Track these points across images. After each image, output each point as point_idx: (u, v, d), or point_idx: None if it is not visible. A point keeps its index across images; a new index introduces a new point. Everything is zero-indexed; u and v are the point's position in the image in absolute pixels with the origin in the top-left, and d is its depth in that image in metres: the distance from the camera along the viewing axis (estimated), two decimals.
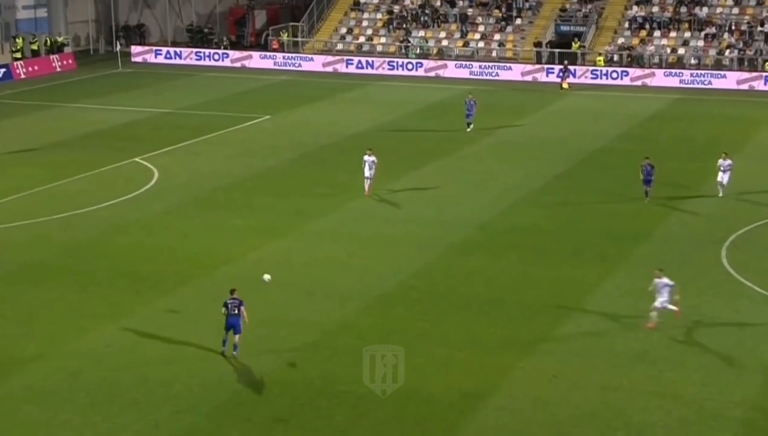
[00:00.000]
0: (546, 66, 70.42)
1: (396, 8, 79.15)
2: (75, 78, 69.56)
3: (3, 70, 68.29)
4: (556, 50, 72.28)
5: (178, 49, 77.44)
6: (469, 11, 77.74)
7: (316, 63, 73.95)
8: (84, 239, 36.43)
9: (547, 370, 26.63)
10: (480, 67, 70.94)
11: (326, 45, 77.33)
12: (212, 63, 75.25)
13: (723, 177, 41.08)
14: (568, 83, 67.06)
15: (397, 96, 64.51)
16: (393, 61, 73.01)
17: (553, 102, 62.43)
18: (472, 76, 69.73)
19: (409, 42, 75.75)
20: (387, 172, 45.36)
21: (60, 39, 76.51)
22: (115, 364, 26.66)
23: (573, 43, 72.41)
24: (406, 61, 73.11)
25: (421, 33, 76.84)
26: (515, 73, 69.85)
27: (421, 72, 71.66)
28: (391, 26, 78.00)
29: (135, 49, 77.21)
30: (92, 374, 26.05)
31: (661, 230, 37.74)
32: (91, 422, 23.75)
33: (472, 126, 53.18)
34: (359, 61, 73.19)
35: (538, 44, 73.46)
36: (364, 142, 50.63)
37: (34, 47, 74.06)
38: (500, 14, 76.80)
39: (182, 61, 75.61)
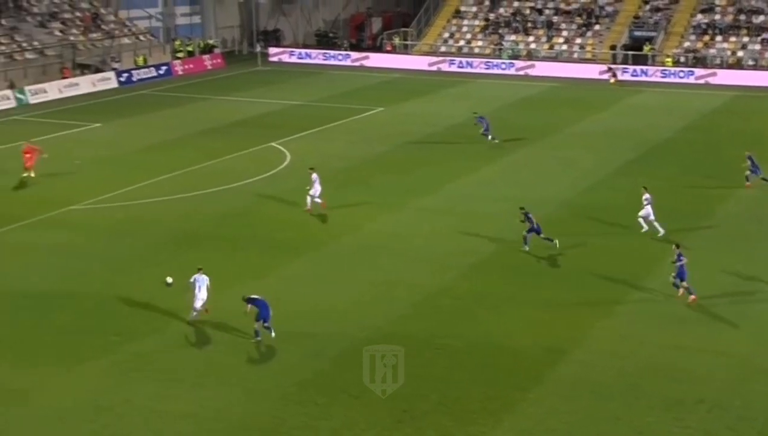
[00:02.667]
0: (621, 66, 69.07)
1: (492, 16, 78.34)
2: (223, 75, 70.43)
3: (164, 67, 69.46)
4: (630, 52, 70.86)
5: (307, 51, 77.81)
6: (555, 18, 76.54)
7: (423, 63, 73.59)
8: (230, 211, 36.98)
9: (619, 329, 26.28)
10: (563, 66, 69.82)
11: (432, 47, 76.91)
12: (336, 62, 75.45)
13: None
14: (618, 81, 65.69)
15: (491, 92, 63.90)
16: (488, 62, 72.29)
17: (626, 98, 61.18)
18: (556, 75, 68.66)
19: (502, 45, 74.97)
20: (482, 158, 45.17)
21: (211, 42, 77.58)
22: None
23: (645, 47, 70.87)
24: (499, 61, 72.34)
25: (513, 37, 75.94)
26: (593, 71, 68.55)
27: (512, 71, 70.82)
28: (487, 31, 77.23)
29: (272, 50, 77.76)
30: (236, 323, 26.34)
31: (722, 209, 36.82)
32: (233, 363, 24.18)
33: (493, 138, 47.37)
34: (460, 62, 72.62)
35: (613, 47, 72.07)
36: (464, 131, 50.50)
37: (190, 48, 75.18)
38: (581, 21, 75.49)
39: (311, 61, 75.99)
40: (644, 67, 67.28)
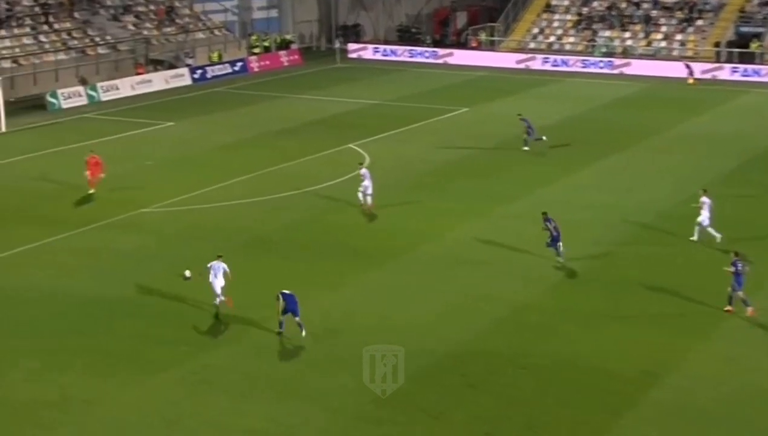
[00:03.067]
0: (725, 64, 67.73)
1: (585, 10, 77.56)
2: (300, 72, 71.04)
3: (240, 64, 70.33)
4: (735, 50, 69.40)
5: (388, 47, 78.05)
6: (653, 13, 75.43)
7: (510, 60, 73.22)
8: (307, 215, 37.25)
9: (720, 352, 25.74)
10: (662, 64, 68.79)
11: (519, 44, 76.49)
12: (418, 59, 75.52)
13: None
14: (694, 79, 64.66)
15: (583, 91, 63.28)
16: (581, 59, 71.61)
17: (730, 99, 59.99)
18: (653, 74, 67.65)
19: (596, 41, 74.15)
20: (574, 162, 44.75)
21: (288, 37, 78.34)
22: (332, 327, 27.20)
23: (752, 43, 69.32)
24: (593, 59, 71.58)
25: (607, 33, 75.06)
26: (695, 71, 67.33)
27: (606, 69, 70.00)
28: (579, 27, 76.51)
29: (351, 46, 78.19)
30: (312, 335, 26.54)
31: None
32: (308, 378, 24.32)
33: (538, 138, 46.73)
34: (550, 59, 72.09)
35: (717, 44, 70.68)
36: (554, 133, 50.04)
37: (266, 44, 76.03)
38: (682, 15, 74.22)
39: (392, 58, 76.19)
40: (755, 67, 65.95)
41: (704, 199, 33.56)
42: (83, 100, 59.05)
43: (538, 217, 36.62)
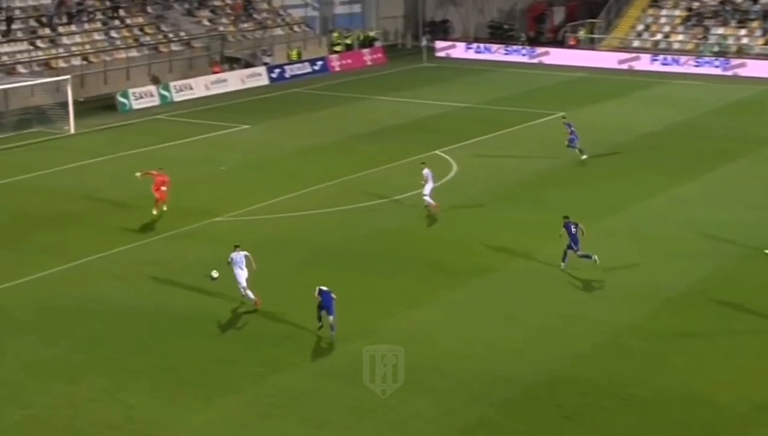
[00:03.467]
0: None
1: (695, 5, 76.33)
2: (383, 72, 71.24)
3: (320, 63, 70.80)
4: None
5: (479, 45, 77.86)
6: None
7: (612, 60, 72.40)
8: (388, 227, 37.27)
9: None
10: None
11: (622, 42, 75.62)
12: (511, 58, 75.18)
13: None
14: None
15: (692, 94, 62.30)
16: (691, 59, 70.46)
17: None
18: None
19: (708, 39, 72.91)
20: (681, 173, 44.03)
21: (372, 34, 78.64)
22: (412, 350, 27.04)
23: None
24: (704, 58, 70.39)
25: (720, 30, 73.75)
26: None
27: (718, 70, 68.79)
28: (689, 23, 75.34)
29: (439, 44, 78.18)
30: (390, 359, 26.47)
31: None
32: (388, 404, 24.21)
33: (583, 153, 45.96)
34: (656, 59, 71.10)
35: None
36: (659, 141, 49.41)
37: (348, 41, 76.43)
38: None
39: (482, 57, 75.96)
40: None
41: None
42: (155, 101, 60.02)
43: (638, 232, 36.25)
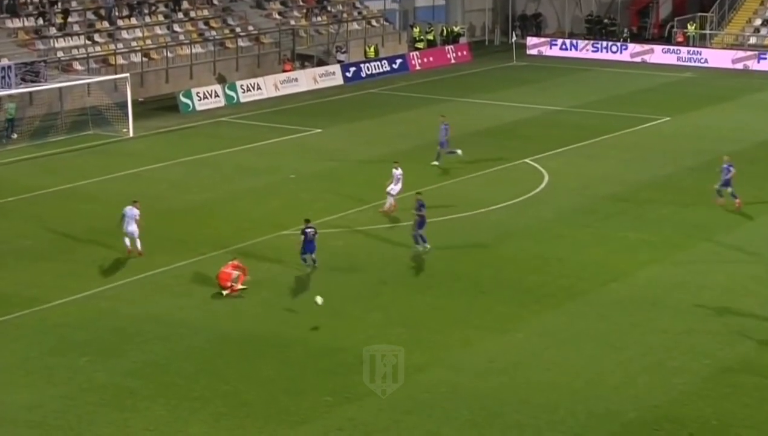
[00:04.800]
0: None
1: None
2: (468, 71, 71.27)
3: (399, 61, 71.01)
4: None
5: (575, 41, 77.63)
6: None
7: (725, 58, 71.55)
8: (471, 244, 37.28)
9: None
10: None
11: (737, 39, 74.73)
12: (610, 56, 74.79)
13: None
14: None
15: None
16: None
17: None
18: None
19: None
20: None
21: (456, 28, 78.69)
22: (497, 381, 27.07)
23: None
24: None
25: None
26: None
27: None
28: None
29: (530, 40, 78.06)
30: (474, 389, 26.54)
31: None
32: None
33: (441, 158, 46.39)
34: None
35: None
36: None
37: (430, 37, 76.59)
38: None
39: (578, 54, 75.68)
40: None
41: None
42: (220, 102, 60.75)
43: (754, 253, 35.75)
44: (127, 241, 35.49)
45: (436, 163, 46.51)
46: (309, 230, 34.02)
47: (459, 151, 46.64)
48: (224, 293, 32.53)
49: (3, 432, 24.63)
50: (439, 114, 49.41)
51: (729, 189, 40.47)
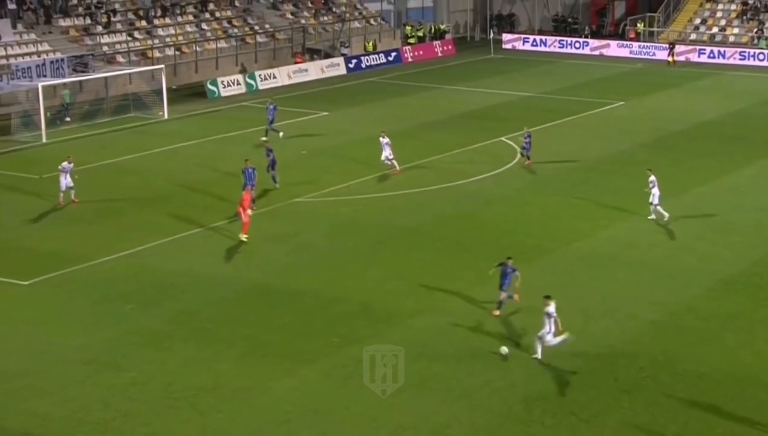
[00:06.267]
0: None
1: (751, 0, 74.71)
2: (453, 62, 70.81)
3: (394, 54, 70.63)
4: None
5: (543, 38, 77.05)
6: None
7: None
8: (455, 210, 37.13)
9: None
10: None
11: (680, 35, 74.28)
12: (573, 51, 74.29)
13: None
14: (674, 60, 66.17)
15: (748, 86, 61.05)
16: (745, 52, 69.01)
17: None
18: None
19: (762, 32, 71.29)
20: (735, 161, 43.22)
21: (442, 27, 78.20)
22: (479, 326, 27.00)
23: None
24: (758, 51, 68.86)
25: None
26: None
27: None
28: (744, 17, 73.73)
29: (505, 36, 77.52)
30: (461, 331, 26.49)
31: None
32: (457, 376, 24.19)
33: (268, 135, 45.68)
34: (711, 51, 69.76)
35: None
36: (715, 130, 48.55)
37: (420, 34, 76.08)
38: None
39: (546, 49, 75.18)
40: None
41: (651, 177, 34.66)
42: (242, 89, 60.38)
43: (695, 217, 35.64)
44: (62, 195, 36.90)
45: (264, 138, 45.60)
46: None
47: (281, 134, 46.91)
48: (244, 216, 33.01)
49: (61, 368, 24.61)
50: (269, 99, 50.01)
51: (527, 153, 42.03)
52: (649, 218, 34.88)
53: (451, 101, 57.08)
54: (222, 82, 59.73)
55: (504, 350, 25.13)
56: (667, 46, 69.30)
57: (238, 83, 60.62)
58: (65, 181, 36.77)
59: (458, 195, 38.91)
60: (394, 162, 40.97)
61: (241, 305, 28.57)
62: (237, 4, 69.87)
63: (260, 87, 61.16)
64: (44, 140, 47.42)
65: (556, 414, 22.47)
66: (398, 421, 22.23)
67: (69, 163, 37.09)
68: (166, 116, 52.90)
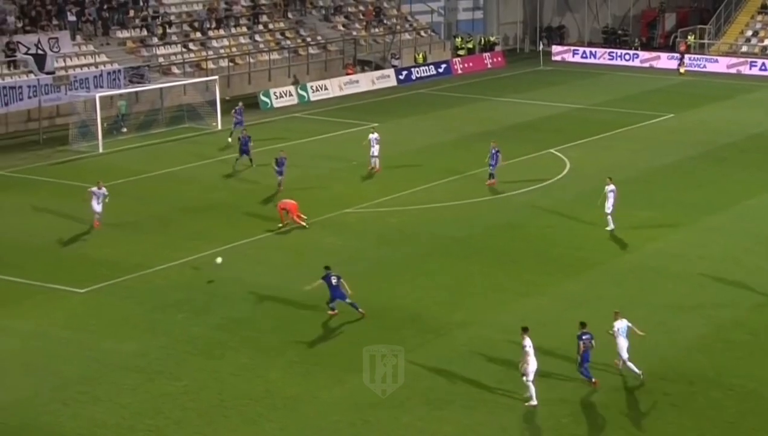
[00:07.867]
0: None
1: None
2: (503, 74, 70.58)
3: (444, 65, 70.54)
4: None
5: (593, 49, 76.49)
6: None
7: (721, 64, 70.30)
8: (504, 221, 37.02)
9: None
10: None
11: (731, 47, 73.38)
12: (623, 63, 73.64)
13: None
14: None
15: None
16: None
17: None
18: None
19: None
20: None
21: (492, 39, 77.99)
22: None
23: None
24: None
25: None
26: None
27: None
28: None
29: (555, 48, 77.07)
30: (508, 343, 26.33)
31: None
32: (503, 388, 24.10)
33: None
34: (763, 64, 68.82)
35: None
36: (765, 142, 47.96)
37: (470, 45, 75.95)
38: None
39: (596, 61, 74.62)
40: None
41: (610, 186, 34.82)
42: (294, 100, 60.68)
43: (745, 230, 35.21)
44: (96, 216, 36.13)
45: (230, 139, 48.12)
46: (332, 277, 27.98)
47: (230, 140, 48.06)
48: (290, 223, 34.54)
49: (116, 376, 24.89)
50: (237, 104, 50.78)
51: (492, 170, 40.83)
52: (607, 228, 34.85)
53: (500, 113, 56.89)
54: (274, 93, 60.10)
55: (218, 260, 29.65)
56: (677, 56, 69.27)
57: (290, 94, 60.95)
58: (97, 206, 35.76)
59: (507, 206, 38.78)
60: (377, 161, 42.47)
61: (291, 314, 28.69)
62: (290, 16, 70.26)
63: (312, 98, 61.42)
64: (101, 150, 48.02)
65: (605, 429, 22.30)
66: (446, 432, 22.20)
67: (99, 188, 36.17)
68: (219, 127, 53.24)
